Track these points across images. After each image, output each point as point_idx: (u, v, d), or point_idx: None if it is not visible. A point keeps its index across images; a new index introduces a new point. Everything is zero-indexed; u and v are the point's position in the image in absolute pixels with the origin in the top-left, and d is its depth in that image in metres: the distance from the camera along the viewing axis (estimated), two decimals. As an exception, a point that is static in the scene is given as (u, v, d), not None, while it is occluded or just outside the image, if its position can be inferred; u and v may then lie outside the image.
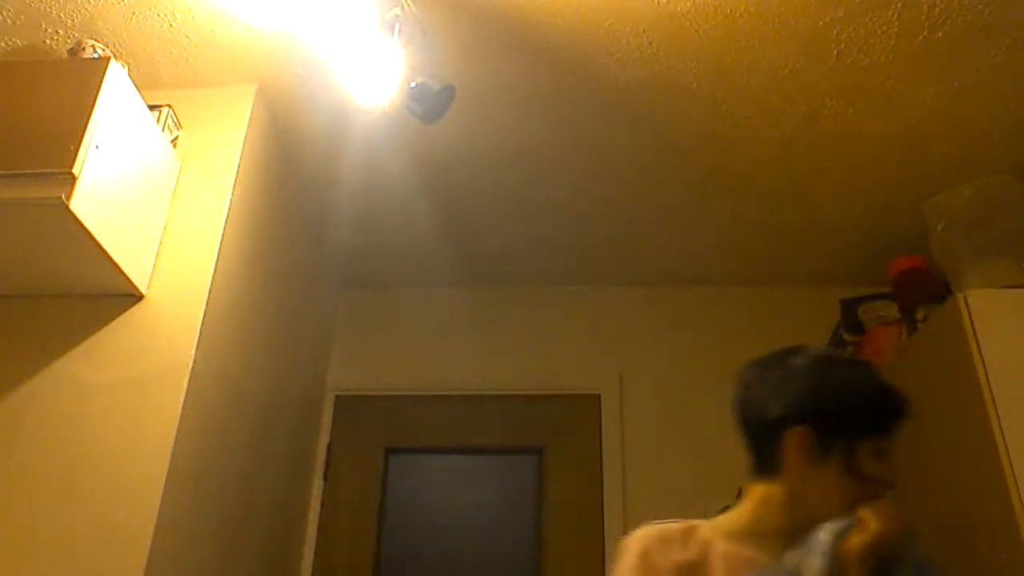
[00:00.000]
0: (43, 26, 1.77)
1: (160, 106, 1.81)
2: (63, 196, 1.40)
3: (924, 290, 2.13)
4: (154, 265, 1.71)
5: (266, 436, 2.06)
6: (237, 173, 1.84)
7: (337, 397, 2.62)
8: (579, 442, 2.50)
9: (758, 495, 1.15)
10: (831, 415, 1.10)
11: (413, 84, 1.64)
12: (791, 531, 1.05)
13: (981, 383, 1.72)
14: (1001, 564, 1.55)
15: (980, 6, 1.65)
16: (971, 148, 2.04)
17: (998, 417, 1.68)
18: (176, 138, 1.86)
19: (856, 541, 0.93)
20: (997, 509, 1.57)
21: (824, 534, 0.95)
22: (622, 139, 2.08)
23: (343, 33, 1.70)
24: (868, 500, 1.03)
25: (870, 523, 0.94)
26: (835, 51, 1.78)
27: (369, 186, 2.29)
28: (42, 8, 1.73)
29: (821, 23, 1.71)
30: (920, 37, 1.73)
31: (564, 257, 2.62)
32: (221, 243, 1.75)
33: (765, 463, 1.15)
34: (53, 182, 1.41)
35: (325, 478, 2.50)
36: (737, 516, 1.15)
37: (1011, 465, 1.60)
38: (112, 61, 1.56)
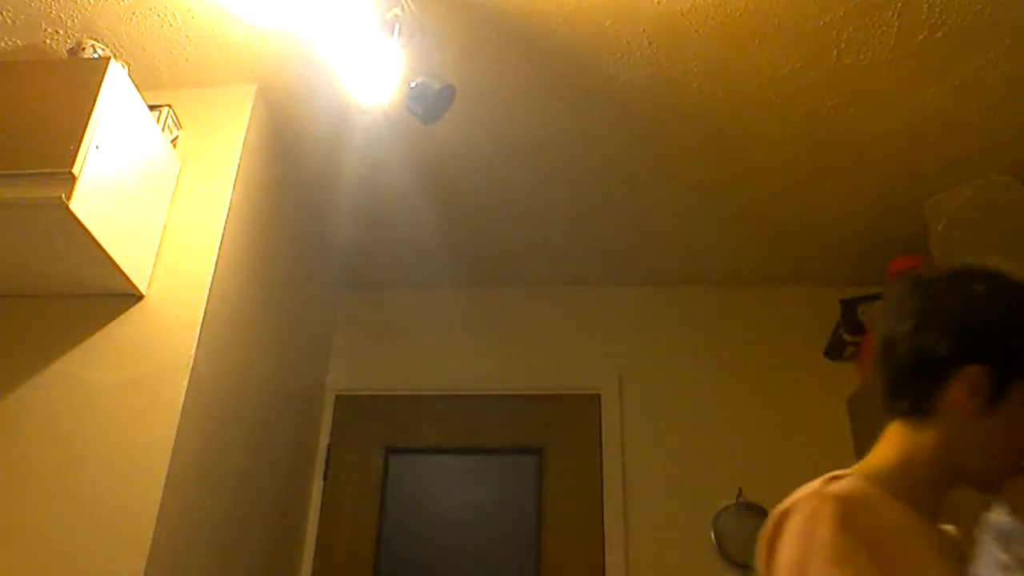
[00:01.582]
0: (43, 26, 1.77)
1: (160, 106, 1.81)
2: (63, 196, 1.40)
3: (924, 290, 2.13)
4: (154, 265, 1.71)
5: (266, 436, 2.06)
6: (237, 173, 1.84)
7: (337, 397, 2.62)
8: (579, 442, 2.50)
9: (905, 439, 0.99)
10: (1016, 358, 0.95)
11: (413, 84, 1.64)
12: (942, 483, 0.97)
13: (981, 383, 1.72)
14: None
15: (980, 6, 1.65)
16: (971, 148, 2.04)
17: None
18: (176, 138, 1.86)
19: None
20: (997, 509, 1.56)
21: (1006, 519, 0.89)
22: (622, 139, 2.08)
23: (343, 33, 1.70)
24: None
25: None
26: (835, 51, 1.78)
27: (369, 186, 2.29)
28: (42, 8, 1.73)
29: (821, 23, 1.71)
30: (920, 37, 1.73)
31: (564, 257, 2.62)
32: (221, 243, 1.75)
33: (919, 403, 0.98)
34: (53, 182, 1.41)
35: (325, 478, 2.50)
36: (888, 465, 0.98)
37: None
38: (112, 61, 1.57)
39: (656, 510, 2.37)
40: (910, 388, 1.00)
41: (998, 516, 0.90)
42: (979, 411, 0.94)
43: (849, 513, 0.87)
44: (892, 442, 1.00)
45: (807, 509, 0.89)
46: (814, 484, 0.93)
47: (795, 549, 0.87)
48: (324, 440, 2.55)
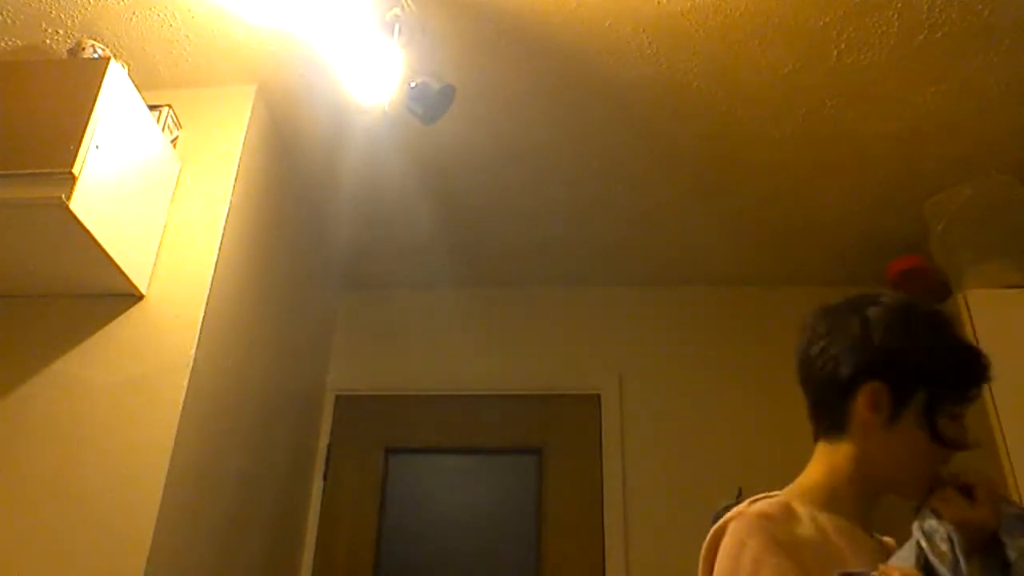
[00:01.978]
0: (43, 26, 1.77)
1: (160, 106, 1.81)
2: (63, 196, 1.40)
3: (924, 290, 2.13)
4: (154, 265, 1.71)
5: (266, 436, 2.06)
6: (237, 173, 1.84)
7: (337, 397, 2.62)
8: (579, 442, 2.50)
9: (827, 457, 1.07)
10: (910, 372, 1.01)
11: (413, 84, 1.64)
12: (867, 494, 1.03)
13: (981, 383, 1.72)
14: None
15: (980, 6, 1.65)
16: (971, 148, 2.04)
17: (998, 417, 1.68)
18: (176, 138, 1.86)
19: (962, 516, 0.92)
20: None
21: (933, 522, 0.94)
22: (622, 138, 2.08)
23: (343, 33, 1.70)
24: (939, 463, 1.01)
25: (959, 506, 0.94)
26: (835, 51, 1.78)
27: (369, 186, 2.29)
28: (42, 8, 1.73)
29: (821, 23, 1.71)
30: (920, 37, 1.73)
31: (564, 257, 2.62)
32: (221, 243, 1.75)
33: (833, 421, 1.07)
34: (53, 182, 1.41)
35: (325, 478, 2.50)
36: (813, 482, 1.07)
37: (1011, 464, 1.61)
38: (112, 61, 1.57)
39: (656, 510, 2.37)
40: (825, 408, 1.08)
41: (923, 521, 0.95)
42: (883, 424, 1.02)
43: (771, 527, 0.96)
44: (818, 460, 1.08)
45: (736, 528, 0.98)
46: (740, 506, 1.02)
47: (728, 564, 0.96)
48: (324, 440, 2.55)
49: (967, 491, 0.97)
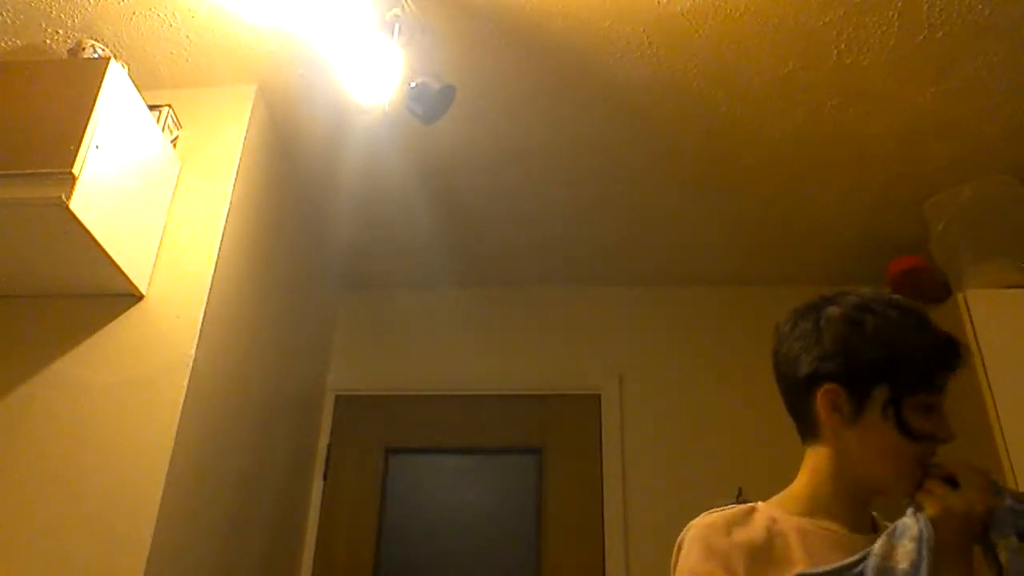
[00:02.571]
0: (43, 26, 1.77)
1: (160, 106, 1.81)
2: (63, 196, 1.40)
3: (924, 290, 2.13)
4: (154, 265, 1.71)
5: (266, 436, 2.06)
6: (237, 173, 1.84)
7: (337, 397, 2.62)
8: (579, 442, 2.50)
9: (809, 461, 1.06)
10: (864, 370, 1.00)
11: (413, 84, 1.64)
12: (852, 495, 1.01)
13: (981, 383, 1.73)
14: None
15: (980, 6, 1.65)
16: (971, 148, 2.04)
17: (998, 417, 1.68)
18: (176, 138, 1.86)
19: (945, 507, 0.90)
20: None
21: (909, 519, 0.92)
22: (622, 139, 2.08)
23: (343, 33, 1.70)
24: (922, 458, 0.98)
25: (945, 496, 0.91)
26: (835, 51, 1.78)
27: (369, 186, 2.29)
28: (42, 8, 1.73)
29: (821, 23, 1.71)
30: (920, 37, 1.73)
31: (564, 257, 2.62)
32: (221, 243, 1.75)
33: (807, 425, 1.06)
34: (53, 182, 1.41)
35: (325, 478, 2.50)
36: (796, 488, 1.07)
37: (1011, 464, 1.61)
38: (112, 61, 1.57)
39: (656, 510, 2.37)
40: (796, 412, 1.08)
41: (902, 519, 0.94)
42: (846, 424, 1.01)
43: (711, 536, 0.98)
44: (804, 466, 1.07)
45: (684, 538, 1.01)
46: (699, 516, 1.04)
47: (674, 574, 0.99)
48: (324, 440, 2.55)
49: (954, 481, 0.94)
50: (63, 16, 1.75)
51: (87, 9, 1.74)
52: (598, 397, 2.56)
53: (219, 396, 1.74)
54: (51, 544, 1.43)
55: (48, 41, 1.81)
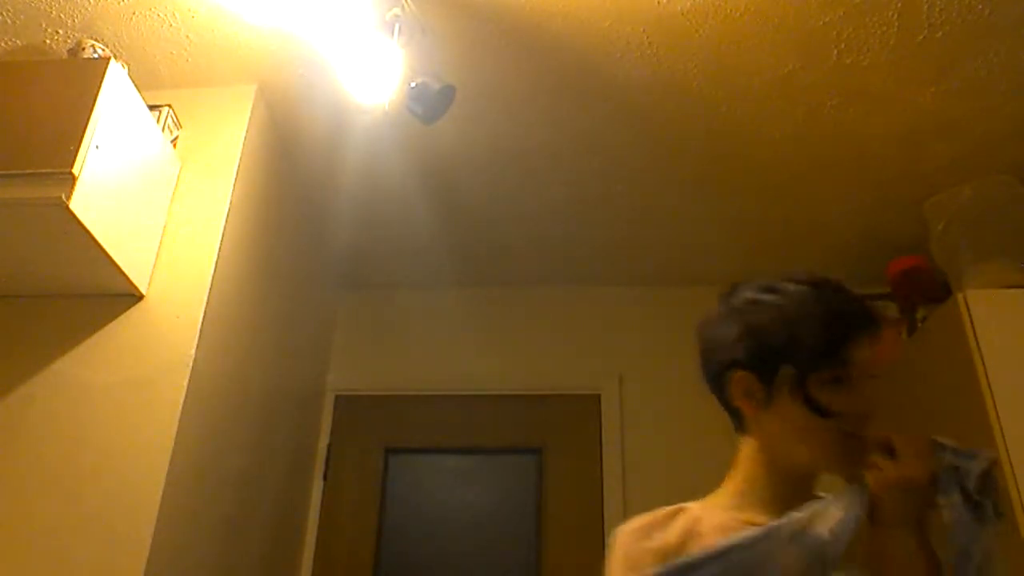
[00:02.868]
0: (43, 26, 1.77)
1: (160, 106, 1.81)
2: (63, 196, 1.40)
3: (924, 290, 2.13)
4: (154, 265, 1.71)
5: (266, 436, 2.06)
6: (237, 173, 1.84)
7: (337, 397, 2.62)
8: (579, 442, 2.50)
9: (740, 454, 1.05)
10: (764, 353, 0.98)
11: (413, 84, 1.64)
12: (790, 482, 0.98)
13: (981, 383, 1.73)
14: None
15: (980, 6, 1.65)
16: (971, 148, 2.04)
17: (998, 417, 1.68)
18: (176, 138, 1.86)
19: (883, 477, 0.87)
20: (997, 509, 1.57)
21: (846, 492, 0.90)
22: (622, 139, 2.08)
23: (343, 33, 1.70)
24: (848, 434, 0.93)
25: (888, 468, 0.88)
26: (835, 51, 1.78)
27: (369, 186, 2.29)
28: (42, 8, 1.73)
29: (821, 23, 1.71)
30: (920, 37, 1.73)
31: (564, 257, 2.62)
32: (221, 243, 1.75)
33: (734, 418, 1.05)
34: (53, 182, 1.41)
35: (325, 478, 2.50)
36: (729, 482, 1.05)
37: (1011, 464, 1.61)
38: (112, 61, 1.56)
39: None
40: (724, 406, 1.06)
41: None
42: (762, 409, 0.99)
43: (627, 542, 0.99)
44: (736, 459, 1.06)
45: (610, 544, 1.01)
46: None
47: None
48: (324, 440, 2.55)
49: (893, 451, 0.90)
50: (63, 16, 1.75)
51: (87, 9, 1.74)
52: (598, 397, 2.56)
53: (219, 396, 1.74)
54: (51, 544, 1.43)
55: (48, 41, 1.81)
